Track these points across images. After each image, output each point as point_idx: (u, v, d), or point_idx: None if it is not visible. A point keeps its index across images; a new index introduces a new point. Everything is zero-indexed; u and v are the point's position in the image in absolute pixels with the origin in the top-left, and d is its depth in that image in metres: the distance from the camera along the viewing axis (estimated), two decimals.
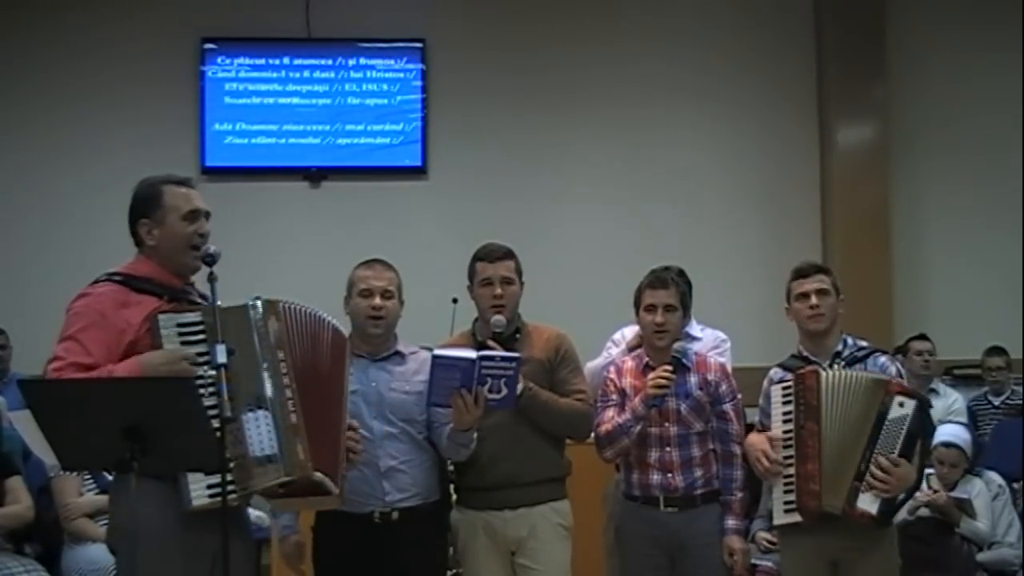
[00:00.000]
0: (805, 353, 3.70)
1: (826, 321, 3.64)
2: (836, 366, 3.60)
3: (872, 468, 3.41)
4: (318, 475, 2.88)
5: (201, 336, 2.83)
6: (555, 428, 3.61)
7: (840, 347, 3.66)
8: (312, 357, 3.01)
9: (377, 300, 3.46)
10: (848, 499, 3.42)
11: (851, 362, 3.61)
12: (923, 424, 3.47)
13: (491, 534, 3.56)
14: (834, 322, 3.66)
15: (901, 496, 3.50)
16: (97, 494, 4.71)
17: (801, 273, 3.72)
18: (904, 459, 3.43)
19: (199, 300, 3.02)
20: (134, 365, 2.80)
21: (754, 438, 3.69)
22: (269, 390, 2.84)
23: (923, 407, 3.48)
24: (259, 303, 2.91)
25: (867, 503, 3.41)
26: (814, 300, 3.64)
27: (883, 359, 3.64)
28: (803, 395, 3.54)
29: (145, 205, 3.04)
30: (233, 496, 2.73)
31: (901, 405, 3.44)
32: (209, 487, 2.77)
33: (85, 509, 4.69)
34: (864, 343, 3.73)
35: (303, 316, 3.02)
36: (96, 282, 2.97)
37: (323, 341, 3.07)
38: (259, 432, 2.82)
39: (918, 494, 4.84)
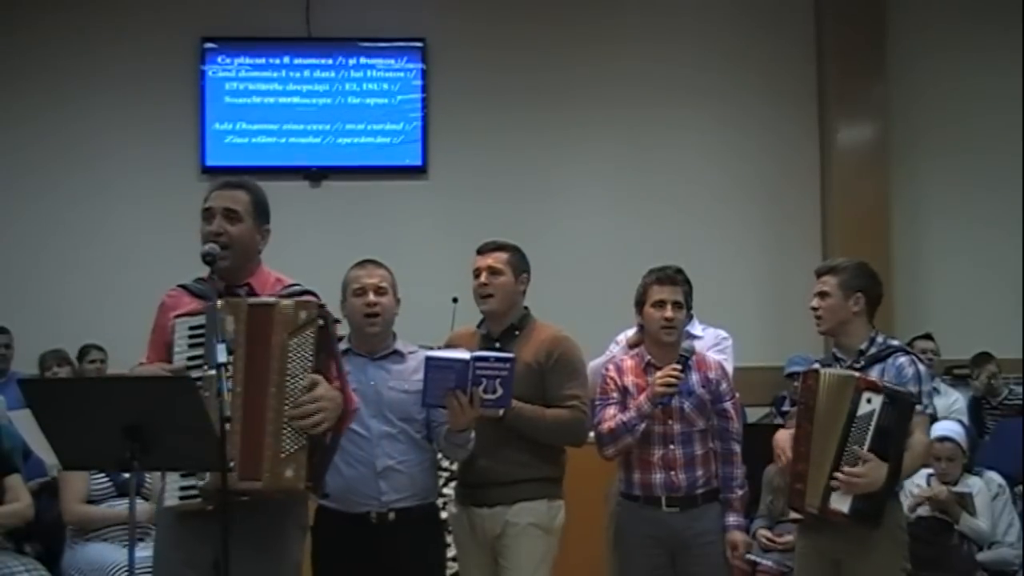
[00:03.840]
0: (834, 351, 3.68)
1: (825, 323, 3.61)
2: (839, 366, 3.59)
3: (841, 467, 3.37)
4: (247, 485, 2.76)
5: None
6: (546, 440, 3.55)
7: (865, 345, 3.58)
8: (264, 351, 2.84)
9: (371, 297, 3.45)
10: (823, 498, 3.39)
11: (872, 361, 3.55)
12: (896, 418, 3.37)
13: (473, 530, 3.57)
14: (843, 322, 3.59)
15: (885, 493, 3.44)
16: (116, 495, 4.65)
17: (815, 274, 3.71)
18: (874, 454, 3.35)
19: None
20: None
21: (779, 434, 3.69)
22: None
23: (895, 401, 3.39)
24: (217, 304, 2.83)
25: (839, 502, 3.37)
26: (813, 303, 3.64)
27: (902, 359, 3.54)
28: (803, 395, 3.54)
29: None
30: (196, 501, 2.75)
31: (868, 401, 3.37)
32: (181, 488, 2.79)
33: (87, 519, 4.65)
34: (895, 342, 3.66)
35: (263, 311, 2.87)
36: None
37: (269, 326, 2.85)
38: None
39: (916, 490, 4.85)
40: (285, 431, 2.79)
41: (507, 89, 7.48)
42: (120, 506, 4.54)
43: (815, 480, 3.43)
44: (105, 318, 6.52)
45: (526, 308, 3.72)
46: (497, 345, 3.60)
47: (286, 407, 2.79)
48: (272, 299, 2.90)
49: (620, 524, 3.84)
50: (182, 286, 3.06)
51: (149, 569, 3.06)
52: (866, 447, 3.37)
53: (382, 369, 3.47)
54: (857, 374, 3.45)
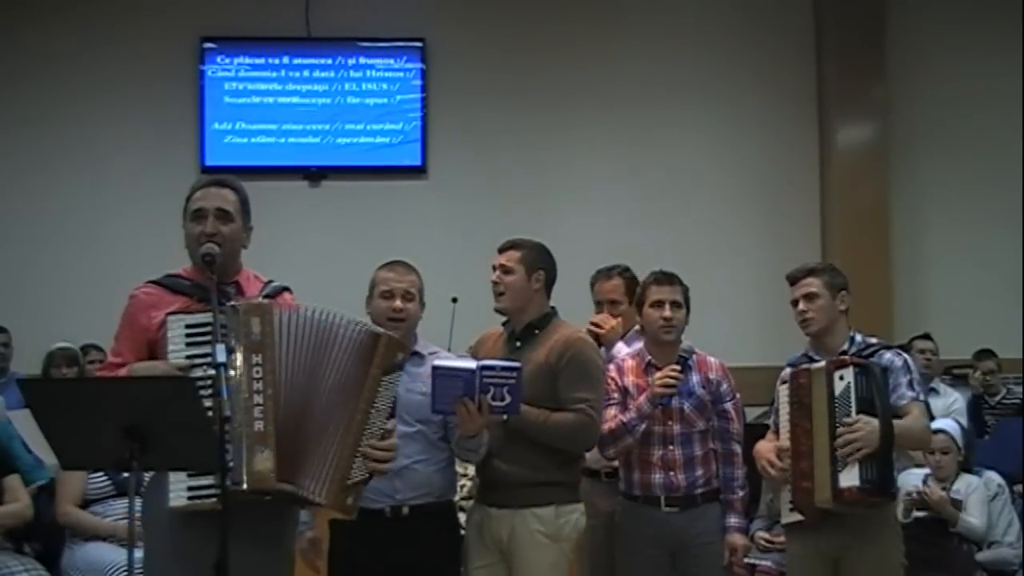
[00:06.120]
0: (810, 353, 3.68)
1: (816, 324, 3.61)
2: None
3: (837, 443, 3.38)
4: (284, 487, 2.77)
5: (208, 338, 2.81)
6: (551, 443, 3.50)
7: (846, 345, 3.61)
8: (312, 362, 2.86)
9: (398, 302, 3.46)
10: (832, 486, 3.39)
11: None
12: (871, 384, 3.40)
13: (481, 528, 3.56)
14: (832, 321, 3.61)
15: (890, 471, 3.45)
16: (115, 494, 4.64)
17: (789, 279, 3.72)
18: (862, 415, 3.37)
19: (234, 302, 2.94)
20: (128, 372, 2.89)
21: (760, 446, 3.67)
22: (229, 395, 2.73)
23: (865, 370, 3.42)
24: (239, 305, 2.84)
25: (847, 479, 3.36)
26: (801, 306, 3.64)
27: (888, 355, 3.58)
28: (797, 394, 3.54)
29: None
30: (210, 501, 2.72)
31: (841, 378, 3.42)
32: (189, 488, 2.77)
33: (78, 525, 4.62)
34: (874, 340, 3.67)
35: (308, 319, 2.88)
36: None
37: (336, 345, 2.89)
38: None
39: (910, 482, 4.83)
40: (357, 460, 2.87)
41: (507, 89, 7.48)
42: (113, 516, 4.56)
43: (822, 473, 3.42)
44: (104, 318, 6.50)
45: (552, 307, 3.69)
46: (518, 344, 3.60)
47: (364, 438, 2.88)
48: (379, 330, 3.00)
49: (620, 524, 3.85)
50: (155, 282, 3.05)
51: None
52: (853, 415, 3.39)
53: (402, 372, 3.47)
54: (823, 363, 3.50)
